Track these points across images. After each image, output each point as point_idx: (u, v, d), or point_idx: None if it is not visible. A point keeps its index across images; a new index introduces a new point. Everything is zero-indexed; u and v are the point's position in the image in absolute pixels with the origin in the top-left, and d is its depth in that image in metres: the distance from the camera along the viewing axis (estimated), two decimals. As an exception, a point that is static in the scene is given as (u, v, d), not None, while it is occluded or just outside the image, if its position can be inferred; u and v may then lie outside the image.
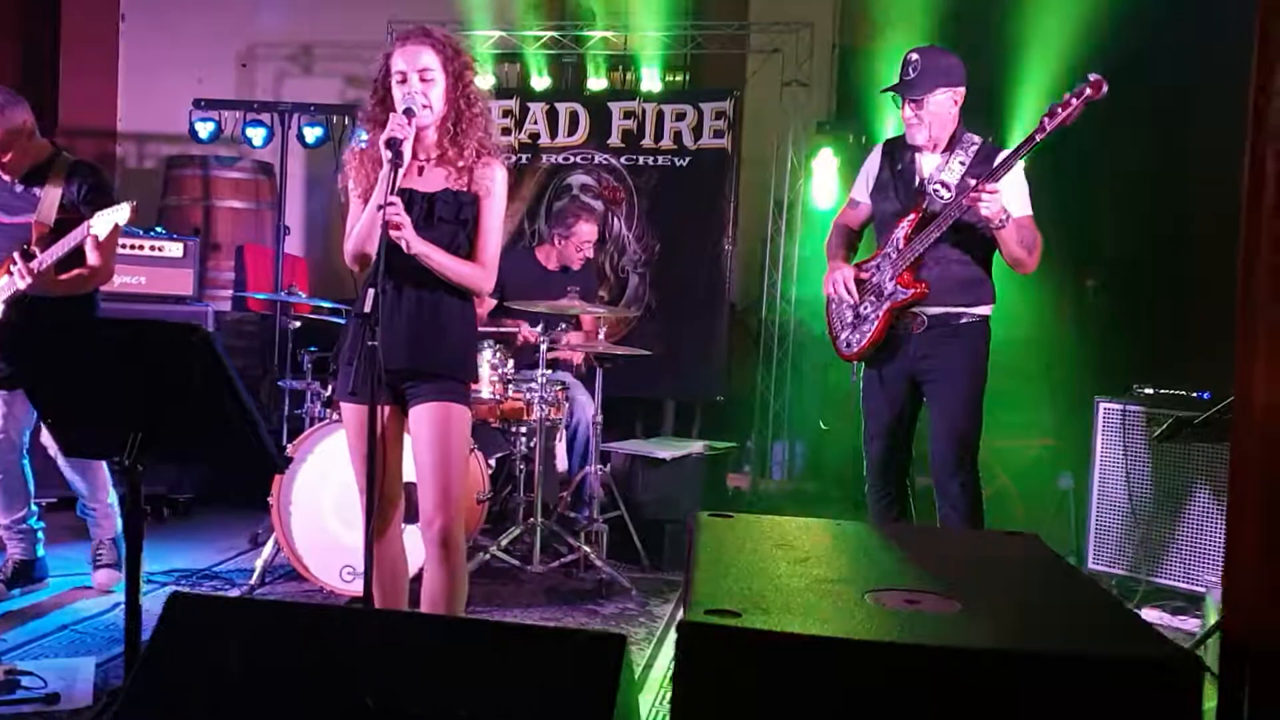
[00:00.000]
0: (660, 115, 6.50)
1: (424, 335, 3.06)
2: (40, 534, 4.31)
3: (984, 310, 3.83)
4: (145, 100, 8.18)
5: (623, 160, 6.56)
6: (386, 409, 3.13)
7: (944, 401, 3.83)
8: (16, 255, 3.83)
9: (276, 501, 4.25)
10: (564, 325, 4.83)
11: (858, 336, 3.87)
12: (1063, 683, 1.23)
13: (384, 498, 3.19)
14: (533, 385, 4.57)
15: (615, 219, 6.58)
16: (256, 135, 6.81)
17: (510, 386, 4.65)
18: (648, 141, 6.51)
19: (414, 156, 3.12)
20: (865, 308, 3.84)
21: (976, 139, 3.79)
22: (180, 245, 5.72)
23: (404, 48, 3.08)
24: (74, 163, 4.08)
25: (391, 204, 2.90)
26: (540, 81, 6.77)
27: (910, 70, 3.69)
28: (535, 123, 6.65)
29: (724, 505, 5.95)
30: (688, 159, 6.47)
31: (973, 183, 3.61)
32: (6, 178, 3.99)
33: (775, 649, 1.34)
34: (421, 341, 3.06)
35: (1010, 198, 3.59)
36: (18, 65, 8.58)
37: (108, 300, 5.44)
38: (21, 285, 3.81)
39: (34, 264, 3.80)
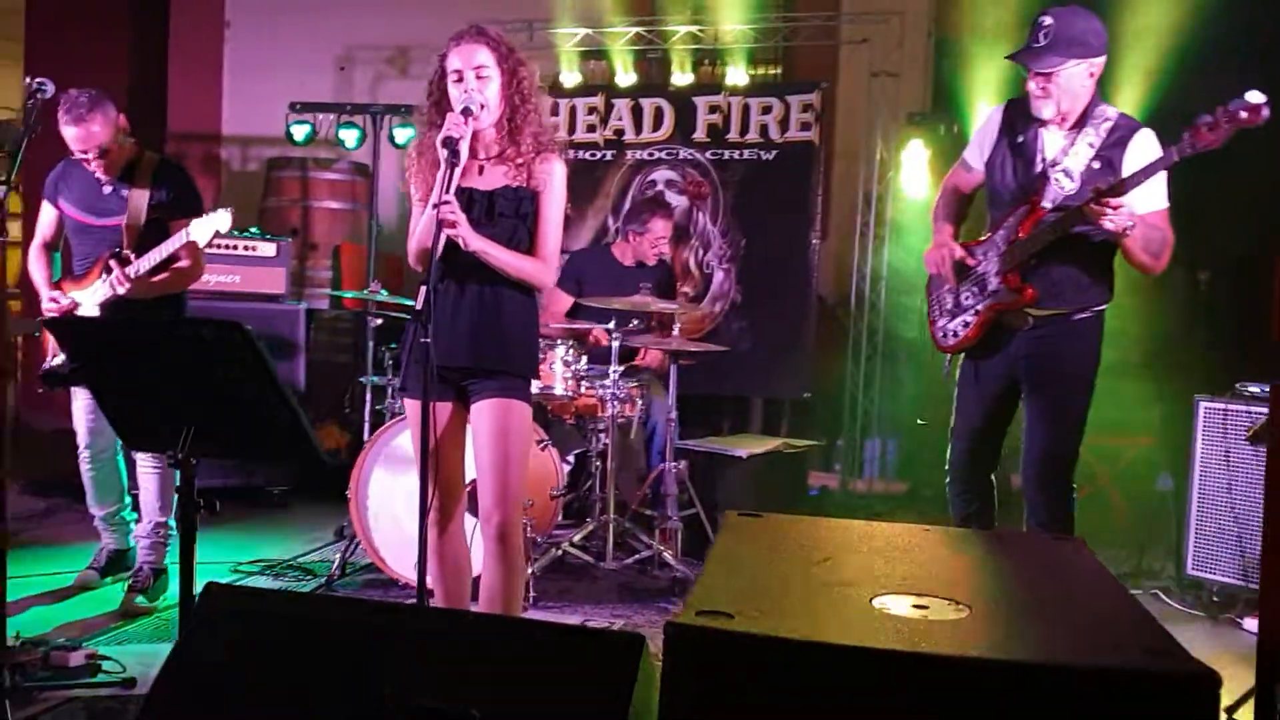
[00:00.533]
0: (746, 109, 6.43)
1: (484, 332, 3.07)
2: (133, 525, 4.35)
3: (1099, 306, 3.49)
4: (248, 104, 8.40)
5: (708, 155, 6.51)
6: (448, 405, 3.17)
7: (1044, 409, 3.51)
8: (112, 261, 3.90)
9: (354, 495, 4.32)
10: (635, 322, 4.79)
11: (956, 327, 3.58)
12: (1057, 696, 1.16)
13: (446, 494, 3.22)
14: (605, 382, 4.55)
15: (700, 214, 6.53)
16: (350, 137, 6.93)
17: (583, 383, 4.65)
18: (733, 135, 6.45)
19: (473, 155, 3.14)
20: (966, 297, 3.54)
21: (1111, 113, 3.38)
22: (273, 245, 5.86)
23: (459, 47, 3.09)
24: (160, 162, 4.14)
25: (447, 202, 2.92)
26: (625, 78, 6.74)
27: (1041, 36, 3.27)
28: (620, 119, 6.64)
29: (805, 505, 5.88)
30: (774, 152, 6.38)
31: (1097, 168, 3.29)
32: (102, 177, 4.04)
33: (762, 652, 1.29)
34: (481, 338, 3.07)
35: (1139, 194, 3.22)
36: (130, 73, 8.91)
37: (203, 299, 5.63)
38: (120, 290, 3.88)
39: (130, 269, 3.88)
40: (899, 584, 1.49)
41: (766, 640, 1.29)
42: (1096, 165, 3.34)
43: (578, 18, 6.80)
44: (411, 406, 3.20)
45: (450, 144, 2.97)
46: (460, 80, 3.06)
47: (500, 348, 3.09)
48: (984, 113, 3.69)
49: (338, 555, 4.50)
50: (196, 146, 8.55)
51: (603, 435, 4.73)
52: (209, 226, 3.88)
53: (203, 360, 2.26)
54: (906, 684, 1.24)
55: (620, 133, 6.65)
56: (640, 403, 4.81)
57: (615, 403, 4.52)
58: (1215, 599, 4.60)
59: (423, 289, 2.80)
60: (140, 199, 4.00)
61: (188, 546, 2.34)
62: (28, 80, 3.45)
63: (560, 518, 4.82)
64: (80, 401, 4.14)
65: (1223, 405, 4.65)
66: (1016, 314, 3.47)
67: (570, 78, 6.79)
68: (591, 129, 6.69)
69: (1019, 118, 3.50)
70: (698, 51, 6.83)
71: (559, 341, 4.68)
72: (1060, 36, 3.25)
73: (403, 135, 6.98)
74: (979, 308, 3.53)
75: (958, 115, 6.36)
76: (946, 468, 3.81)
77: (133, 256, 3.92)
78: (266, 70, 8.20)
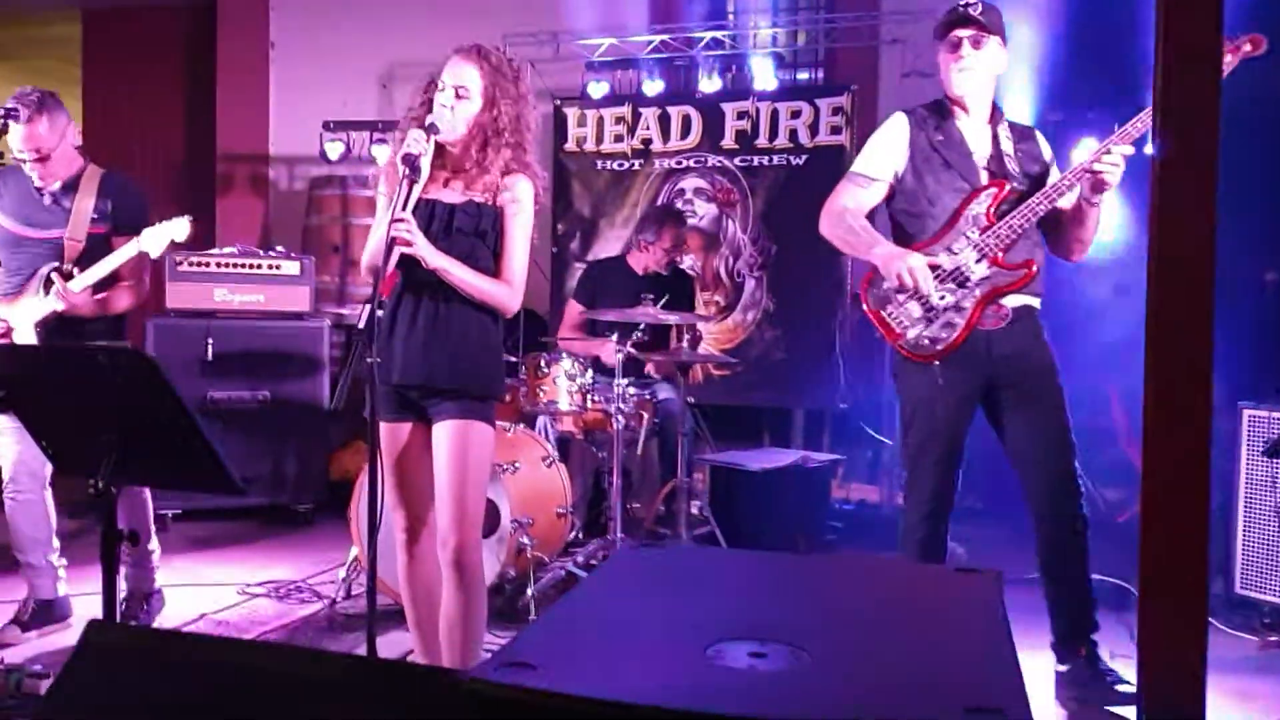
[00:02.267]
0: (775, 114, 6.28)
1: (440, 351, 2.98)
2: (62, 572, 4.02)
3: (1038, 302, 3.44)
4: (293, 124, 8.46)
5: (737, 161, 6.37)
6: (410, 426, 3.09)
7: (1037, 406, 3.38)
8: (54, 275, 3.69)
9: (354, 516, 4.26)
10: (639, 333, 4.66)
11: (944, 333, 3.33)
12: None
13: (413, 516, 3.15)
14: (610, 395, 4.45)
15: (729, 222, 6.40)
16: (382, 154, 6.92)
17: (589, 397, 4.55)
18: (762, 141, 6.30)
19: (442, 168, 3.07)
20: (942, 299, 3.34)
21: (1003, 114, 3.47)
22: (296, 264, 5.87)
23: (453, 60, 3.02)
24: (105, 174, 3.92)
25: (401, 220, 2.84)
26: (652, 86, 6.63)
27: (972, 9, 3.33)
28: (648, 128, 6.54)
29: (831, 519, 5.69)
30: (804, 157, 6.22)
31: (1022, 157, 3.35)
32: (41, 185, 3.82)
33: (554, 712, 1.17)
34: (437, 358, 2.98)
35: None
36: (182, 96, 9.08)
37: (228, 319, 5.66)
38: (59, 306, 3.67)
39: (73, 283, 3.67)
40: (749, 628, 1.36)
41: (557, 698, 1.17)
42: (1021, 155, 3.38)
43: (603, 27, 6.71)
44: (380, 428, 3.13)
45: (409, 160, 2.90)
46: (441, 91, 3.00)
47: (457, 368, 3.00)
48: (891, 124, 3.53)
49: (340, 573, 4.46)
50: (244, 167, 8.65)
51: (600, 450, 4.62)
52: (163, 236, 3.68)
53: (113, 388, 2.20)
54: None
55: (648, 142, 6.55)
56: (646, 415, 4.68)
57: (620, 416, 4.39)
58: (1266, 620, 4.32)
59: (366, 307, 2.72)
60: (83, 211, 3.78)
61: (109, 580, 2.26)
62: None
63: (572, 535, 4.72)
64: (5, 436, 3.83)
65: (1267, 413, 4.38)
66: (995, 309, 3.34)
67: (598, 88, 6.70)
68: (619, 139, 6.60)
69: (926, 120, 3.45)
70: (725, 58, 6.69)
71: (563, 355, 4.59)
72: (991, 17, 3.35)
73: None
74: (967, 303, 3.32)
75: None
76: (909, 501, 3.55)
77: (76, 271, 3.71)
78: (311, 89, 8.27)
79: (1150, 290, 1.17)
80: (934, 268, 3.38)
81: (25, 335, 3.74)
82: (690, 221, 6.40)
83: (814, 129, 6.19)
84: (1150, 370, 1.16)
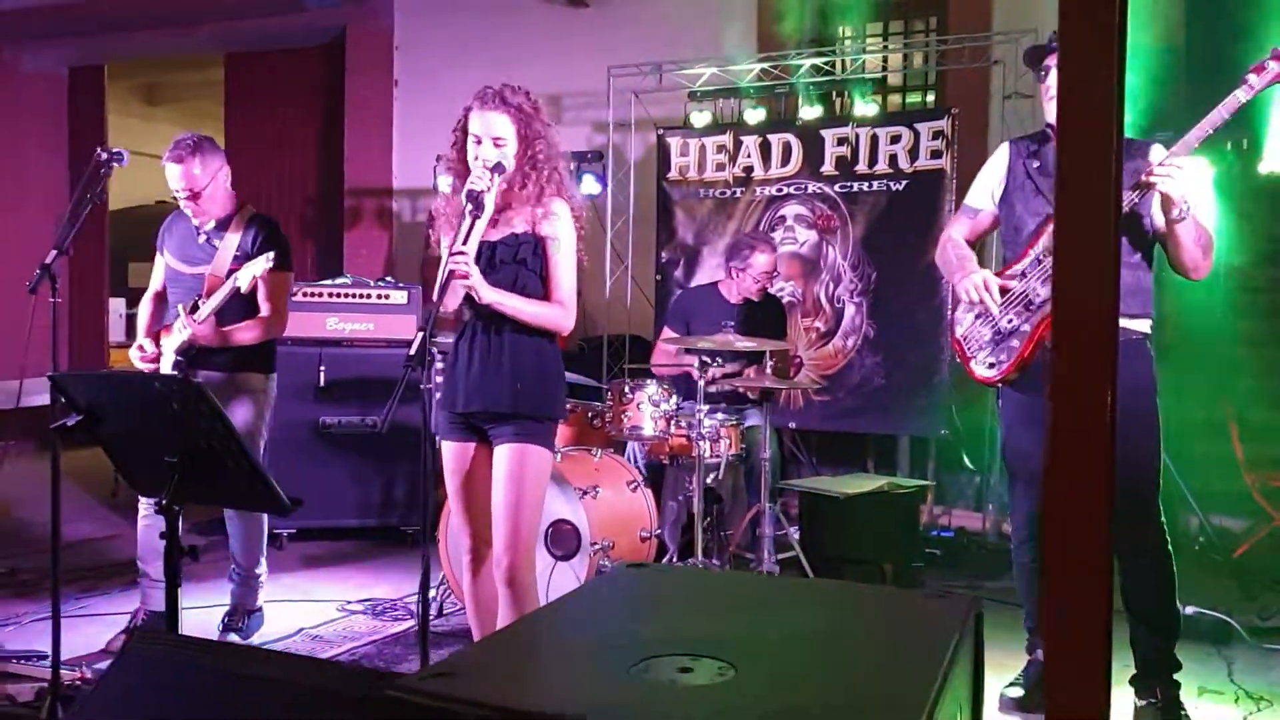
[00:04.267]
0: (875, 139, 6.25)
1: (497, 378, 3.13)
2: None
3: (1144, 326, 3.36)
4: (416, 157, 8.78)
5: (836, 188, 6.37)
6: (475, 448, 3.23)
7: (1127, 438, 3.33)
8: (181, 307, 3.97)
9: (442, 536, 4.43)
10: (719, 359, 4.71)
11: (1003, 356, 3.40)
12: None
13: (477, 536, 3.28)
14: (694, 421, 4.50)
15: (830, 248, 6.39)
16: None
17: (673, 423, 4.62)
18: (862, 167, 6.28)
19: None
20: (1009, 321, 3.39)
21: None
22: (404, 293, 6.11)
23: (482, 111, 3.15)
24: (254, 215, 4.20)
25: (462, 253, 2.98)
26: (754, 114, 6.69)
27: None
28: (749, 155, 6.59)
29: (929, 545, 5.62)
30: (904, 182, 6.18)
31: (1138, 171, 3.21)
32: (196, 222, 4.13)
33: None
34: (495, 384, 3.12)
35: (1190, 188, 3.15)
36: (314, 133, 9.54)
37: (339, 346, 5.93)
38: (185, 335, 3.94)
39: (197, 315, 3.91)
40: (688, 644, 1.42)
41: (474, 707, 1.25)
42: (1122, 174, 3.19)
43: (706, 57, 6.80)
44: (444, 450, 3.28)
45: (473, 196, 3.05)
46: (480, 144, 3.13)
47: (514, 393, 3.12)
48: (995, 155, 3.58)
49: (432, 593, 4.62)
50: (370, 201, 9.03)
51: (693, 475, 4.67)
52: (249, 270, 3.87)
53: (172, 414, 2.38)
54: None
55: (749, 169, 6.60)
56: (728, 441, 4.71)
57: (702, 442, 4.44)
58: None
59: (419, 334, 2.86)
60: (229, 249, 4.07)
61: (172, 592, 2.44)
62: (99, 150, 3.67)
63: (666, 559, 4.79)
64: None
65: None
66: None
67: (700, 117, 6.79)
68: (720, 167, 6.67)
69: (1027, 147, 3.49)
70: (826, 84, 6.71)
71: (648, 381, 4.67)
72: None
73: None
74: (1028, 325, 3.35)
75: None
76: (1011, 533, 3.60)
77: (202, 303, 3.95)
78: (432, 124, 8.57)
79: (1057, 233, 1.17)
80: (1005, 291, 3.41)
81: (167, 363, 4.07)
82: (790, 248, 6.44)
83: (914, 154, 6.15)
84: (1056, 321, 1.16)
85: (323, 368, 5.88)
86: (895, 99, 7.88)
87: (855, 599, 1.73)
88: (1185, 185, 3.08)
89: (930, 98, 7.71)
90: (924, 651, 1.42)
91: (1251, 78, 3.01)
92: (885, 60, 7.53)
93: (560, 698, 1.29)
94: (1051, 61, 3.34)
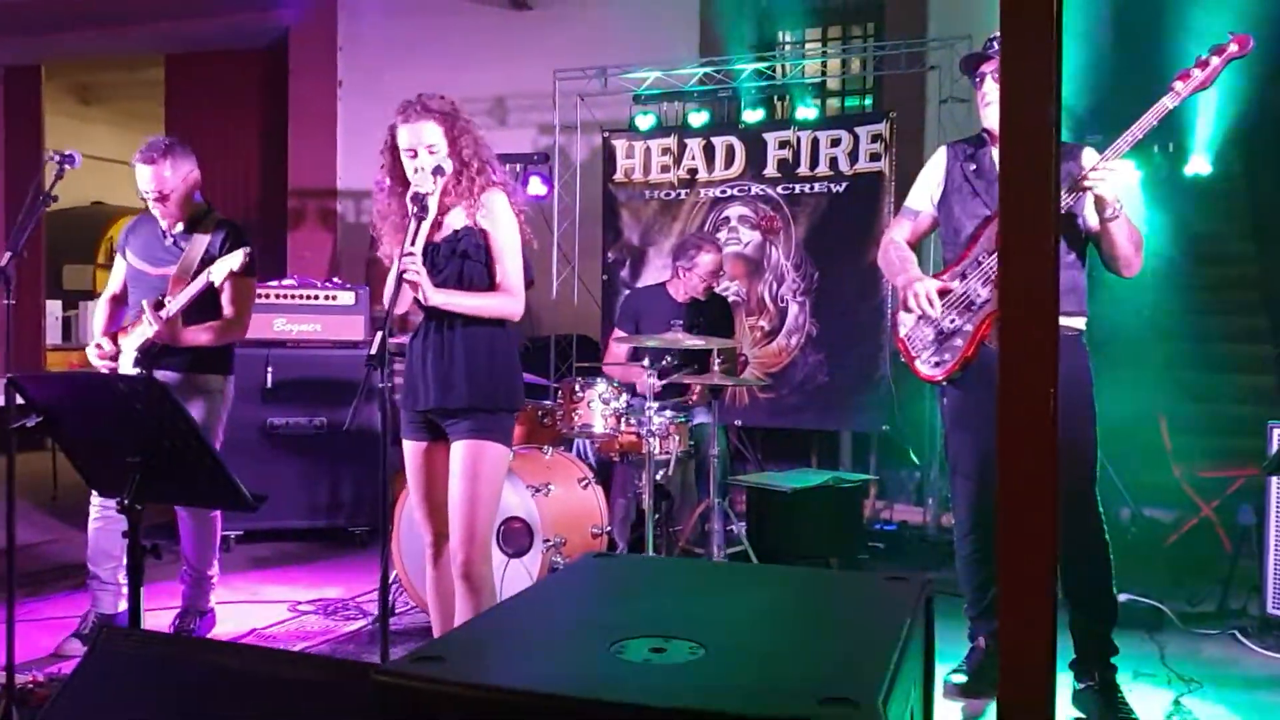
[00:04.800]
0: (815, 142, 6.38)
1: (450, 374, 3.18)
2: (125, 590, 4.13)
3: (1079, 323, 3.48)
4: (360, 159, 8.77)
5: (779, 190, 6.49)
6: (433, 446, 3.28)
7: (1064, 433, 3.47)
8: (146, 304, 3.97)
9: (396, 534, 4.46)
10: (668, 358, 4.79)
11: (946, 355, 3.51)
12: None
13: (437, 532, 3.33)
14: (644, 419, 4.58)
15: (773, 248, 6.51)
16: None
17: (623, 421, 4.69)
18: (803, 169, 6.41)
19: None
20: (950, 322, 3.50)
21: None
22: (351, 294, 6.12)
23: (407, 124, 3.21)
24: (220, 220, 4.23)
25: (410, 254, 3.04)
26: (698, 117, 6.79)
27: (994, 45, 3.41)
28: (693, 158, 6.69)
29: (873, 539, 5.76)
30: (844, 184, 6.31)
31: (1071, 173, 3.32)
32: (164, 224, 4.16)
33: (458, 701, 1.31)
34: (449, 381, 3.18)
35: (1123, 190, 3.27)
36: (257, 134, 9.48)
37: (286, 349, 5.92)
38: (149, 333, 3.94)
39: (162, 311, 3.92)
40: (659, 626, 1.49)
41: (459, 687, 1.31)
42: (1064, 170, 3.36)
43: (650, 61, 6.89)
44: (405, 448, 3.33)
45: (418, 199, 3.10)
46: (415, 156, 3.19)
47: (466, 388, 3.18)
48: (933, 158, 3.71)
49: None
50: (313, 202, 9.01)
51: (657, 471, 4.74)
52: (223, 266, 3.90)
53: (135, 414, 2.41)
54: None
55: (694, 171, 6.70)
56: (677, 438, 4.79)
57: (652, 440, 4.52)
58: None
59: (378, 334, 2.90)
60: (195, 251, 4.09)
61: (135, 591, 2.46)
62: (50, 152, 3.67)
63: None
64: None
65: (1298, 433, 4.36)
66: None
67: (644, 119, 6.88)
68: (665, 169, 6.77)
69: (964, 151, 3.58)
70: (768, 88, 6.83)
71: (598, 380, 4.74)
72: None
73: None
74: (969, 325, 3.46)
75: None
76: (954, 526, 3.73)
77: (168, 301, 3.97)
78: (376, 125, 8.48)
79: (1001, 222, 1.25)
80: (946, 293, 3.52)
81: (127, 361, 4.06)
82: (735, 249, 6.54)
83: (854, 156, 6.28)
84: (1002, 319, 1.24)
85: (270, 369, 5.87)
86: (835, 103, 8.03)
87: (816, 582, 1.82)
88: (1117, 187, 3.20)
89: (868, 102, 7.88)
90: (882, 630, 1.50)
91: (1178, 84, 3.14)
92: (825, 65, 7.67)
93: (545, 677, 1.35)
94: (987, 68, 3.45)
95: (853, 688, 1.27)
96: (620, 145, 6.90)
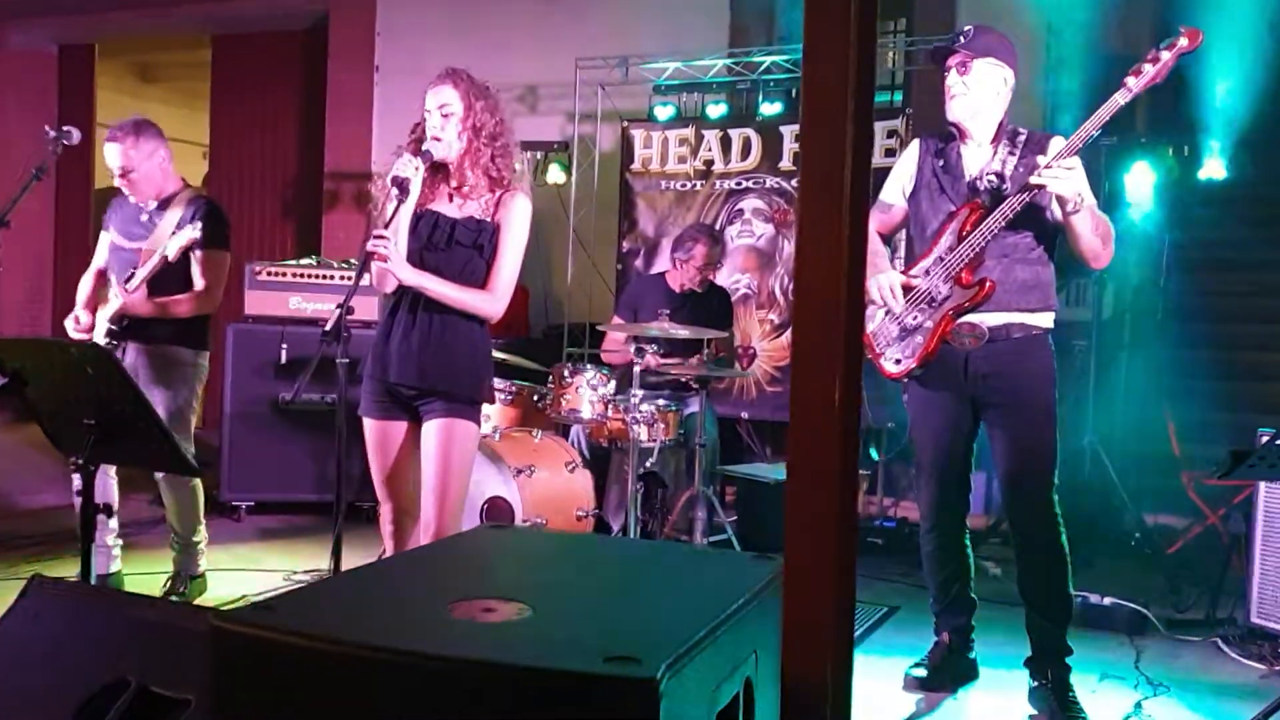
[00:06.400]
0: (831, 136, 6.38)
1: (429, 356, 3.27)
2: (117, 550, 4.43)
3: (1046, 321, 3.47)
4: (394, 143, 8.80)
5: (794, 183, 6.51)
6: (403, 425, 3.38)
7: (1015, 429, 3.46)
8: (114, 277, 4.12)
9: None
10: (654, 347, 4.85)
11: (908, 351, 3.52)
12: (516, 695, 1.24)
13: (399, 509, 3.44)
14: (640, 405, 4.64)
15: (786, 242, 6.54)
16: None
17: (610, 407, 4.77)
18: (818, 163, 6.41)
19: (445, 183, 3.35)
20: (913, 318, 3.51)
21: (1023, 130, 3.48)
22: (367, 274, 6.23)
23: (432, 87, 3.32)
24: (194, 196, 4.35)
25: (382, 236, 3.13)
26: (716, 109, 6.84)
27: (961, 39, 3.43)
28: (710, 149, 6.74)
29: (871, 535, 5.77)
30: (859, 179, 6.31)
31: (1023, 171, 3.33)
32: (135, 199, 4.29)
33: (275, 648, 1.40)
34: (427, 361, 3.27)
35: (1083, 184, 3.26)
36: (297, 115, 9.67)
37: (302, 325, 6.07)
38: (117, 305, 4.09)
39: (129, 283, 4.05)
40: (501, 590, 1.57)
41: (291, 636, 1.40)
42: (1021, 170, 3.36)
43: (671, 51, 6.94)
44: (366, 425, 3.43)
45: (399, 182, 3.19)
46: (430, 117, 3.29)
47: (447, 371, 3.27)
48: (906, 151, 3.72)
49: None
50: (349, 185, 9.17)
51: (643, 458, 4.81)
52: (176, 243, 4.00)
53: (86, 378, 2.53)
54: (385, 682, 1.33)
55: (710, 163, 6.75)
56: (664, 426, 4.86)
57: (638, 427, 4.59)
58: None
59: (336, 310, 3.00)
60: (167, 226, 4.19)
61: (85, 546, 2.58)
62: (46, 129, 3.81)
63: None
64: None
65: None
66: (969, 329, 3.43)
67: (663, 110, 6.94)
68: (682, 160, 6.82)
69: (934, 145, 3.58)
70: (788, 81, 6.85)
71: (587, 366, 4.82)
72: (979, 38, 3.40)
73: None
74: (930, 322, 3.47)
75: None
76: (920, 518, 3.77)
77: (137, 273, 4.07)
78: (412, 111, 8.65)
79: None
80: (910, 289, 3.54)
81: (100, 333, 4.19)
82: (748, 241, 6.59)
83: (869, 151, 6.28)
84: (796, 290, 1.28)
85: (284, 345, 6.02)
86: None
87: (674, 555, 1.88)
88: (1076, 181, 3.19)
89: (898, 97, 7.85)
90: (711, 603, 1.56)
91: (1130, 80, 3.14)
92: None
93: (371, 632, 1.43)
94: (952, 61, 3.46)
95: (643, 649, 1.33)
96: (639, 135, 6.97)
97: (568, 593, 1.59)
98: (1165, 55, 3.10)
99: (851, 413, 1.33)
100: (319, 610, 1.50)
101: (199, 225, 4.06)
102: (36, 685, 2.03)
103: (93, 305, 4.31)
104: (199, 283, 4.24)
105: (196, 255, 4.11)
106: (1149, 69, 3.11)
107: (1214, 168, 5.79)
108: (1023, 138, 3.45)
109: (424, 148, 3.27)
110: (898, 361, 3.57)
